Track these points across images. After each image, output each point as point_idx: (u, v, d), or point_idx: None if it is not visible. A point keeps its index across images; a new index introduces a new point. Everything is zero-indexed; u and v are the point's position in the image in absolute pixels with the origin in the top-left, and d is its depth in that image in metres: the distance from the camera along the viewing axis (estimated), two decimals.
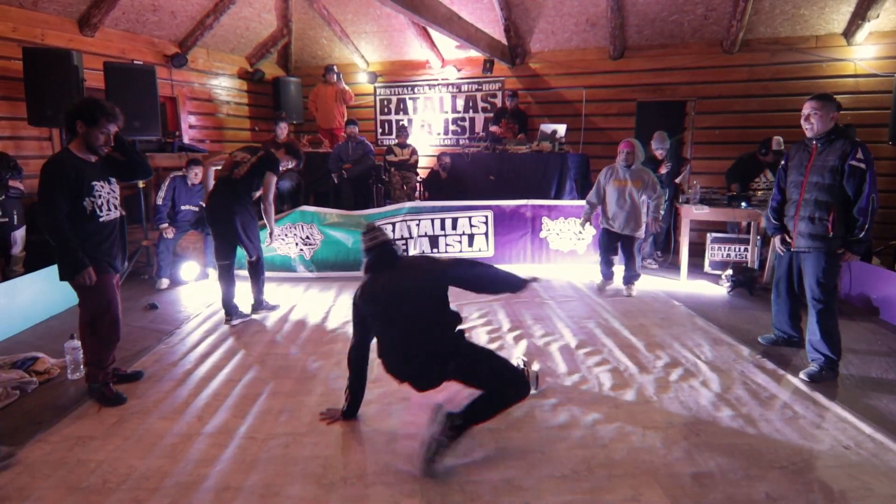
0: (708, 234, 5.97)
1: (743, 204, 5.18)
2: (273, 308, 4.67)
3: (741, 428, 2.70)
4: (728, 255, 5.87)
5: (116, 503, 2.19)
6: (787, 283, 3.59)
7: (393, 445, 2.57)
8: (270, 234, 4.59)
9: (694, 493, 2.20)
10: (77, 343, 3.23)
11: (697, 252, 5.94)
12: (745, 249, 5.77)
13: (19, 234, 4.78)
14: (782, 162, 3.59)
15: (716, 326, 4.17)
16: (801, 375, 3.24)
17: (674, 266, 5.92)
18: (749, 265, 5.51)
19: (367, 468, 2.39)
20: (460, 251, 5.95)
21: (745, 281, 5.08)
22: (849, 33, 6.38)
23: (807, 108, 3.24)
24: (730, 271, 5.20)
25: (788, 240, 3.45)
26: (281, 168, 4.50)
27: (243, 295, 4.56)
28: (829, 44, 6.56)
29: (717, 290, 5.24)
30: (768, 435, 2.63)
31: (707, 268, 5.91)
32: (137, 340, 3.95)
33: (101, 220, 2.92)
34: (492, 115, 8.11)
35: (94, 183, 2.87)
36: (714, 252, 5.92)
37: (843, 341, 3.27)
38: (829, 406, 2.91)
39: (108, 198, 2.98)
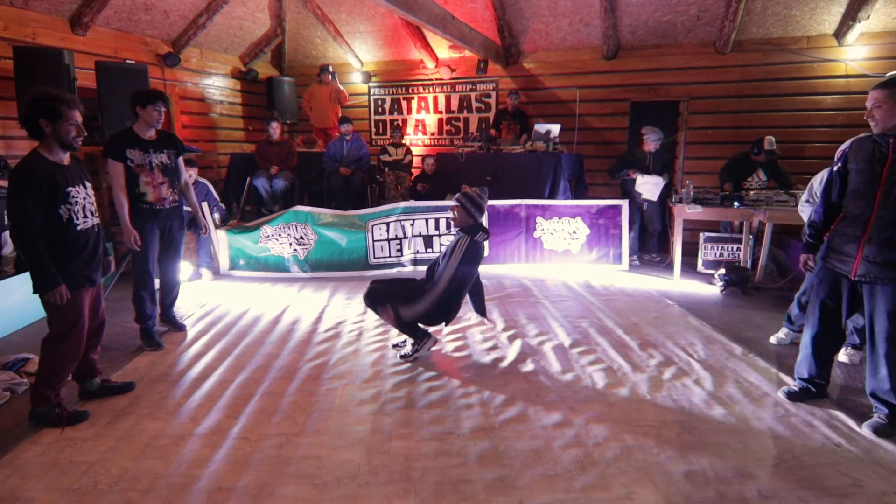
0: (701, 234, 6.01)
1: (735, 203, 5.21)
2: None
3: (733, 426, 2.72)
4: (721, 255, 5.91)
5: None
6: (834, 318, 2.82)
7: (386, 445, 2.57)
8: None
9: (686, 491, 2.21)
10: None
11: (690, 251, 5.97)
12: (738, 249, 5.82)
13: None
14: (836, 165, 2.80)
15: (709, 325, 4.20)
16: (865, 429, 2.65)
17: (667, 265, 5.95)
18: (742, 265, 5.54)
19: (360, 468, 2.39)
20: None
21: (738, 280, 5.11)
22: (840, 34, 6.42)
23: (869, 100, 2.56)
24: (722, 270, 5.23)
25: (812, 265, 2.96)
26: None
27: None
28: (820, 44, 6.61)
29: (710, 290, 5.27)
30: (760, 433, 2.65)
31: (700, 267, 5.95)
32: (130, 342, 3.93)
33: (78, 228, 2.69)
34: (487, 115, 8.13)
35: (69, 189, 2.65)
36: (707, 251, 5.95)
37: None
38: (820, 404, 2.93)
39: (84, 203, 2.74)
